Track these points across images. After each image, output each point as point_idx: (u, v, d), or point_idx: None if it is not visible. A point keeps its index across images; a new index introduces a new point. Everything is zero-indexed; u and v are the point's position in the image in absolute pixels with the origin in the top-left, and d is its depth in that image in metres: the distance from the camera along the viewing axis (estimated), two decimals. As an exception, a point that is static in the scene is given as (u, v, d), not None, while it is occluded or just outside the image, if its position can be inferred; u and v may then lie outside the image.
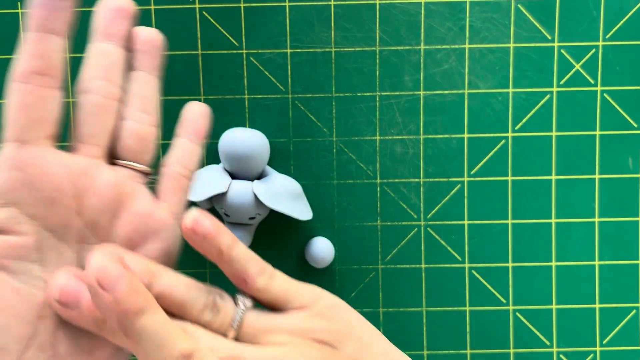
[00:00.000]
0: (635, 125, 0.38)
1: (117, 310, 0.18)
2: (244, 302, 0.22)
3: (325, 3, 0.37)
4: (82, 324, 0.20)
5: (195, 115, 0.25)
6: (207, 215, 0.21)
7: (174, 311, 0.21)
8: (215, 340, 0.21)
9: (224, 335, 0.21)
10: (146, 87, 0.24)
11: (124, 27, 0.24)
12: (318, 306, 0.23)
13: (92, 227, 0.22)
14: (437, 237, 0.39)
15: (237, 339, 0.21)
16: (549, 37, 0.38)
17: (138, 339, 0.18)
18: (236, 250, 0.22)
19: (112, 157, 0.24)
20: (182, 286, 0.21)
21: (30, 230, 0.21)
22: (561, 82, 0.38)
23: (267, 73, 0.38)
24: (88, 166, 0.22)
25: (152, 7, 0.37)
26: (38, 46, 0.21)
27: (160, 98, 0.25)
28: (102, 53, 0.23)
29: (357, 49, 0.38)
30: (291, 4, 0.37)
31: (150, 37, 0.24)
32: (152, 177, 0.24)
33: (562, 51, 0.38)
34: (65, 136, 0.23)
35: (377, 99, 0.38)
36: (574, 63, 0.38)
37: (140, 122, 0.24)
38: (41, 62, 0.21)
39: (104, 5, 0.24)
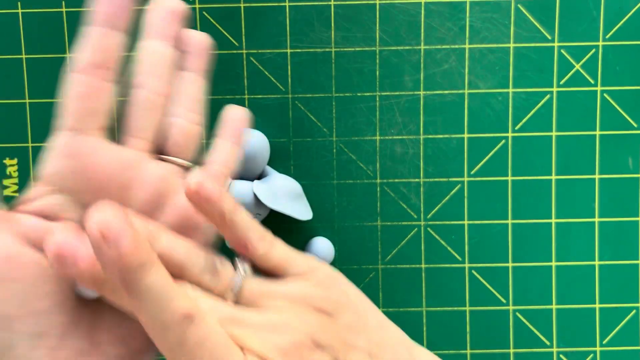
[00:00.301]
0: (635, 125, 0.38)
1: (120, 266, 0.17)
2: (244, 267, 0.22)
3: (325, 3, 0.37)
4: (80, 282, 0.20)
5: (236, 120, 0.26)
6: (210, 178, 0.22)
7: (173, 273, 0.21)
8: (215, 303, 0.21)
9: (223, 299, 0.21)
10: (193, 88, 0.25)
11: (176, 28, 0.25)
12: (316, 275, 0.23)
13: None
14: (437, 237, 0.39)
15: (235, 303, 0.21)
16: (549, 37, 0.38)
17: (140, 297, 0.18)
18: (238, 216, 0.22)
19: (158, 152, 0.24)
20: (181, 248, 0.21)
21: (76, 219, 0.22)
22: (561, 82, 0.38)
23: (267, 73, 0.38)
24: (135, 159, 0.23)
25: (152, 7, 0.37)
26: (101, 40, 0.22)
27: (205, 98, 0.26)
28: (154, 51, 0.24)
29: (357, 49, 0.38)
30: (291, 4, 0.37)
31: (200, 40, 0.25)
32: None
33: (562, 51, 0.38)
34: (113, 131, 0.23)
35: (377, 99, 0.38)
36: (574, 63, 0.38)
37: (187, 119, 0.24)
38: (102, 56, 0.22)
39: (158, 5, 0.24)
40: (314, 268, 0.23)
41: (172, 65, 0.25)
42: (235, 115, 0.26)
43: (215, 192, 0.21)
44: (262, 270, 0.23)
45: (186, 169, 0.24)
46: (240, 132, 0.26)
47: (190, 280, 0.21)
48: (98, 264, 0.19)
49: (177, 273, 0.21)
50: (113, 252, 0.17)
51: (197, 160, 0.25)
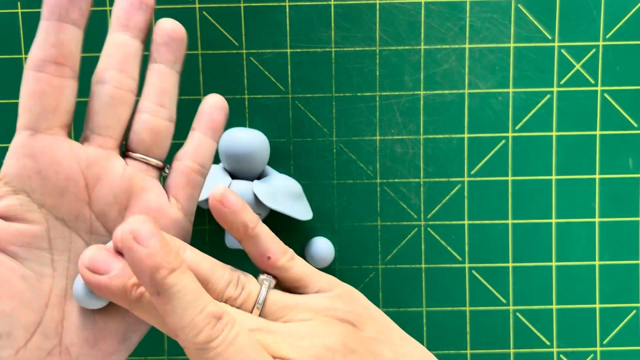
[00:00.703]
0: (635, 125, 0.38)
1: (151, 265, 0.18)
2: (268, 281, 0.22)
3: (325, 3, 0.37)
4: (109, 294, 0.20)
5: (211, 107, 0.25)
6: (233, 191, 0.22)
7: None
8: (242, 314, 0.21)
9: (248, 312, 0.21)
10: (163, 80, 0.24)
11: (142, 19, 0.23)
12: (337, 290, 0.23)
13: (102, 218, 0.22)
14: (437, 237, 0.39)
15: (260, 316, 0.22)
16: (549, 37, 0.38)
17: (169, 297, 0.18)
18: (261, 228, 0.22)
19: (126, 149, 0.24)
20: (206, 262, 0.21)
21: (40, 219, 0.21)
22: (561, 82, 0.38)
23: (267, 73, 0.38)
24: (100, 157, 0.22)
25: (152, 7, 0.37)
26: (54, 35, 0.21)
27: (178, 92, 0.24)
28: (118, 44, 0.23)
29: (357, 49, 0.38)
30: (291, 4, 0.37)
31: (171, 29, 0.24)
32: (165, 172, 0.24)
33: (562, 51, 0.38)
34: (77, 127, 0.23)
35: (377, 99, 0.38)
36: (574, 63, 0.38)
37: (155, 115, 0.23)
38: (57, 51, 0.21)
39: None
40: (334, 284, 0.23)
41: (139, 59, 0.23)
42: (211, 103, 0.25)
43: (239, 204, 0.22)
44: (283, 284, 0.23)
45: (155, 167, 0.24)
46: (217, 123, 0.25)
47: (214, 293, 0.21)
48: (128, 277, 0.20)
49: (203, 286, 0.21)
50: (144, 251, 0.18)
51: (167, 156, 0.24)
